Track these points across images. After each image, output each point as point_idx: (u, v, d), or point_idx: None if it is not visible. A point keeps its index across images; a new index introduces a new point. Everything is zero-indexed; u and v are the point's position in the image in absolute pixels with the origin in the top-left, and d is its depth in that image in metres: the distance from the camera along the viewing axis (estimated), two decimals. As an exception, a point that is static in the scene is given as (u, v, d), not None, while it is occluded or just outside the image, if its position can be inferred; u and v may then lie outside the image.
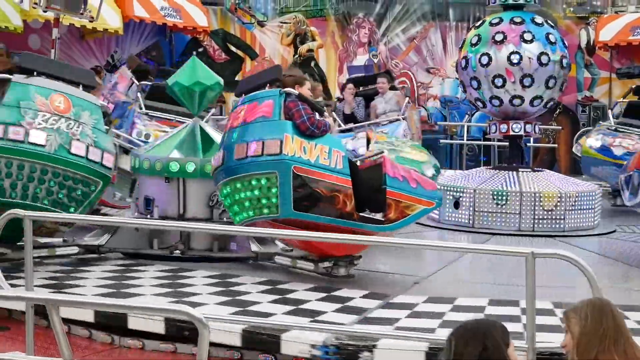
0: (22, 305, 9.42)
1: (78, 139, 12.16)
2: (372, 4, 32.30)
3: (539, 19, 18.53)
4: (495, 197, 17.29)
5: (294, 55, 29.50)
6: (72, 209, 12.20)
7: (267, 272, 13.07)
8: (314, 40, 29.79)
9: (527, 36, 17.83)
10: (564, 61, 18.47)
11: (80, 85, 13.05)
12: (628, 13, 30.26)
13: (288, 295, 11.48)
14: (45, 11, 21.44)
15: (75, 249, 13.49)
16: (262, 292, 11.66)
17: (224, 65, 27.62)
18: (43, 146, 11.86)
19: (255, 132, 11.49)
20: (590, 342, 4.66)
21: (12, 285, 10.53)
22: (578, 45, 28.65)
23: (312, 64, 29.26)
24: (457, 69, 19.53)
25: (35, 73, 12.90)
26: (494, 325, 4.62)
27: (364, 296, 11.50)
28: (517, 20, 18.05)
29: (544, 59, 17.80)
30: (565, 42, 19.23)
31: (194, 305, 9.46)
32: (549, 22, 19.35)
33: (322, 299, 11.33)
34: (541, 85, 17.86)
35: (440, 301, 11.17)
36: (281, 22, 30.96)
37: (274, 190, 11.14)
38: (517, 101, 17.81)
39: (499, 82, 17.69)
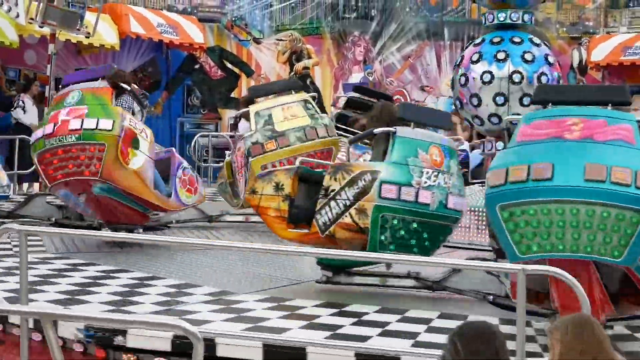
0: (17, 319, 9.39)
1: (451, 192, 12.14)
2: (367, 23, 32.50)
3: (536, 40, 18.77)
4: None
5: (289, 73, 29.57)
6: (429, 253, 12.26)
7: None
8: (309, 57, 29.86)
9: (528, 56, 18.07)
10: (560, 81, 18.71)
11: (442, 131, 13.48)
12: (620, 34, 30.50)
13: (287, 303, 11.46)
14: (41, 27, 21.61)
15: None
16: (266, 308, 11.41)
17: (220, 82, 27.83)
18: (428, 205, 11.86)
19: (616, 157, 9.11)
20: (569, 355, 4.77)
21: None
22: (570, 65, 28.76)
23: (308, 81, 29.29)
24: (452, 86, 19.54)
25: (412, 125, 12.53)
26: (496, 328, 4.79)
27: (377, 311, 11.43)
28: (517, 40, 18.29)
29: (543, 78, 18.04)
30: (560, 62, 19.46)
31: (199, 322, 9.92)
32: (546, 42, 19.62)
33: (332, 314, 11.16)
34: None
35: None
36: (277, 40, 31.06)
37: (629, 230, 8.63)
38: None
39: (500, 100, 17.91)
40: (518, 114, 14.64)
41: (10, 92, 23.96)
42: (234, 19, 31.82)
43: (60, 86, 14.24)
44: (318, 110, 15.41)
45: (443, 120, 14.02)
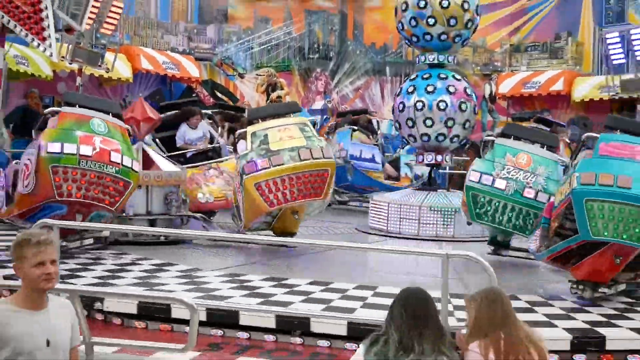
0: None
1: (530, 187, 13.24)
2: (327, 62, 32.36)
3: (458, 76, 18.64)
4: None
5: (266, 101, 29.46)
6: (527, 232, 13.36)
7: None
8: (282, 89, 29.75)
9: (451, 89, 17.92)
10: (475, 108, 18.60)
11: (545, 146, 14.17)
12: (520, 72, 30.60)
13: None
14: (70, 63, 21.44)
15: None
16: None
17: (212, 108, 27.58)
18: (503, 190, 13.34)
19: None
20: (482, 324, 4.79)
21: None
22: (483, 96, 28.69)
23: (280, 108, 29.45)
24: (393, 112, 19.29)
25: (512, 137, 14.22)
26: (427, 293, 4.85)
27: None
28: (443, 76, 18.12)
29: (463, 106, 17.88)
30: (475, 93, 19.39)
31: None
32: (465, 78, 19.49)
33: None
34: (459, 126, 17.93)
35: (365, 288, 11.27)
36: (257, 75, 30.83)
37: None
38: (441, 137, 17.81)
39: (428, 122, 17.73)
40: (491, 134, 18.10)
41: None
42: (223, 58, 31.60)
43: (64, 102, 13.33)
44: (315, 133, 13.90)
45: (549, 139, 15.04)
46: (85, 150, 11.64)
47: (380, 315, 8.84)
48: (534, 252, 12.45)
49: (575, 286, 11.33)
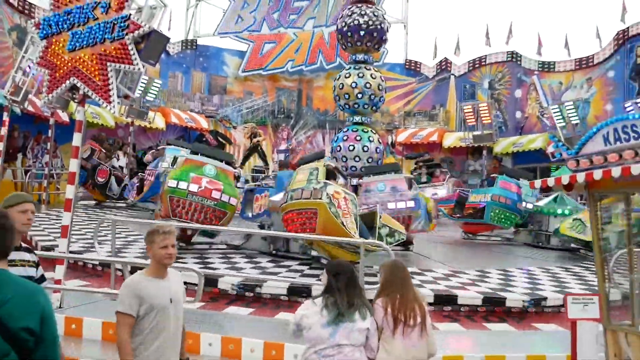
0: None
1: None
2: (289, 120, 32.32)
3: (373, 130, 18.88)
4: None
5: (250, 144, 29.59)
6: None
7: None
8: (260, 136, 29.86)
9: (371, 138, 18.15)
10: (383, 151, 18.88)
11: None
12: (411, 128, 30.69)
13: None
14: (126, 118, 21.44)
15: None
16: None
17: (215, 147, 27.55)
18: None
19: None
20: (386, 285, 4.60)
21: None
22: (387, 143, 28.87)
23: (259, 148, 29.45)
24: (332, 152, 19.13)
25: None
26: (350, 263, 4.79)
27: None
28: (365, 130, 18.27)
29: (377, 149, 18.13)
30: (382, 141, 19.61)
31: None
32: (376, 132, 19.76)
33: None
34: (374, 162, 18.09)
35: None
36: (244, 127, 30.92)
37: None
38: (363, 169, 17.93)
39: (357, 159, 17.92)
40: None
41: (110, 150, 23.58)
42: (223, 116, 31.60)
43: (191, 151, 13.00)
44: (318, 175, 11.17)
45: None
46: (193, 187, 11.43)
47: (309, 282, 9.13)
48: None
49: None
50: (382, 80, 18.41)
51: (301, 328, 4.35)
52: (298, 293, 9.26)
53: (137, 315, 4.03)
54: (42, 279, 4.37)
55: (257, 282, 9.62)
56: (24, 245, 4.46)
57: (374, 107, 18.57)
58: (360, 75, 18.02)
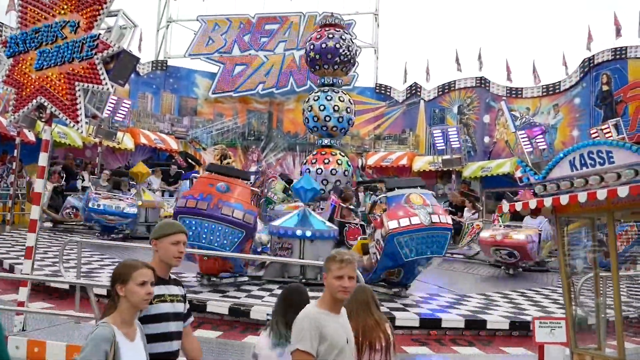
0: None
1: None
2: (259, 142, 32.31)
3: (342, 153, 19.00)
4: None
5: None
6: None
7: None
8: (230, 158, 29.75)
9: (339, 161, 18.25)
10: (352, 174, 18.99)
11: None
12: (381, 152, 30.94)
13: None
14: (94, 138, 21.28)
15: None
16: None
17: (185, 169, 27.43)
18: None
19: None
20: (351, 307, 4.35)
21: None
22: (357, 166, 28.97)
23: (229, 170, 29.38)
24: (301, 174, 19.22)
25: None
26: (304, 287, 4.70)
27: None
28: (334, 153, 18.45)
29: (346, 173, 18.22)
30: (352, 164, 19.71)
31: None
32: (346, 154, 19.86)
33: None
34: (344, 184, 18.21)
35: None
36: (214, 148, 30.82)
37: None
38: (332, 191, 18.08)
39: (324, 182, 17.97)
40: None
41: (76, 170, 23.32)
42: (193, 137, 31.49)
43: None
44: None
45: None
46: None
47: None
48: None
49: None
50: (351, 103, 18.56)
51: (255, 355, 4.36)
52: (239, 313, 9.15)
53: (316, 355, 3.53)
54: (188, 314, 3.99)
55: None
56: (172, 276, 4.01)
57: (343, 130, 18.68)
58: (329, 98, 18.16)
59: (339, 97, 18.20)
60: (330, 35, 18.28)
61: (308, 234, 12.19)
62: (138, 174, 20.11)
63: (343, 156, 18.70)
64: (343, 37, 18.45)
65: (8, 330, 7.35)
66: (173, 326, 3.77)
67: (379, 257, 10.86)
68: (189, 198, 10.70)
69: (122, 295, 3.36)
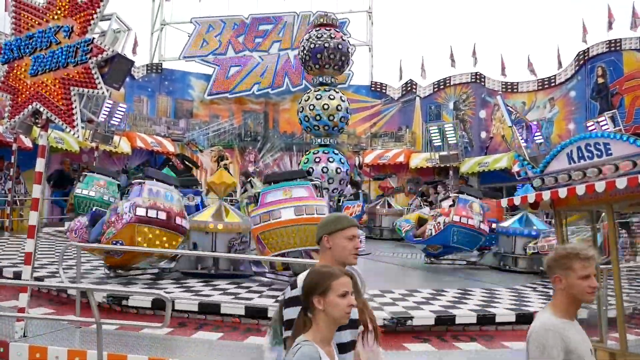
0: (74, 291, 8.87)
1: None
2: (256, 143, 32.30)
3: (336, 151, 18.95)
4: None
5: (217, 167, 29.41)
6: None
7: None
8: (227, 159, 29.71)
9: (331, 159, 18.20)
10: (348, 171, 18.94)
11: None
12: (377, 150, 31.01)
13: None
14: (91, 143, 21.19)
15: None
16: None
17: (182, 171, 27.35)
18: None
19: None
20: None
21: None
22: (354, 164, 29.02)
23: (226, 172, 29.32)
24: None
25: None
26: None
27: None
28: (326, 151, 18.41)
29: (338, 170, 18.16)
30: (348, 162, 19.71)
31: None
32: (341, 152, 19.84)
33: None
34: (337, 183, 18.18)
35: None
36: (211, 150, 30.78)
37: None
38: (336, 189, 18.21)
39: (330, 180, 17.95)
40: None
41: (74, 175, 23.31)
42: (190, 139, 31.45)
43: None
44: None
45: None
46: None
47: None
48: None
49: None
50: (347, 102, 18.53)
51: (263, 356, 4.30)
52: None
53: None
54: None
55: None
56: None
57: (339, 129, 18.65)
58: (325, 97, 18.11)
59: (335, 96, 18.19)
60: (325, 35, 18.25)
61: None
62: (220, 186, 14.13)
63: (336, 154, 18.67)
64: (337, 35, 18.44)
65: (9, 336, 7.33)
66: (349, 335, 3.28)
67: (434, 233, 15.40)
68: None
69: (321, 309, 2.88)
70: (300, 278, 3.16)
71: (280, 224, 11.23)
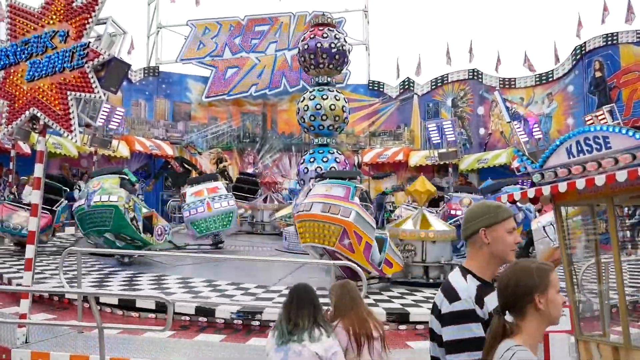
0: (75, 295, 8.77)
1: None
2: (254, 144, 32.36)
3: (339, 151, 18.94)
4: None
5: (216, 169, 29.42)
6: None
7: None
8: (226, 161, 29.77)
9: (338, 159, 18.23)
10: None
11: None
12: (376, 148, 30.99)
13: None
14: (89, 147, 21.17)
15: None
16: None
17: (181, 174, 27.46)
18: None
19: None
20: (339, 305, 4.52)
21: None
22: (353, 164, 29.05)
23: (225, 173, 29.27)
24: (298, 174, 19.32)
25: None
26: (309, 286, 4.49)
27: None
28: (331, 151, 18.39)
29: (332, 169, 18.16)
30: (347, 162, 19.67)
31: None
32: (340, 152, 19.81)
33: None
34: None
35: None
36: (210, 152, 30.85)
37: None
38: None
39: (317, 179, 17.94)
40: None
41: (73, 180, 23.27)
42: (188, 142, 31.43)
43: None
44: None
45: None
46: None
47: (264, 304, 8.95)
48: None
49: None
50: (345, 102, 18.53)
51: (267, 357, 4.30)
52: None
53: None
54: None
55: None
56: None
57: (338, 128, 18.65)
58: (323, 97, 18.12)
59: (334, 96, 18.19)
60: (323, 35, 18.25)
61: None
62: (423, 194, 13.75)
63: (340, 154, 18.68)
64: (336, 35, 18.43)
65: (11, 343, 7.32)
66: None
67: None
68: None
69: (542, 308, 2.45)
70: (460, 288, 2.75)
71: (307, 216, 11.19)
